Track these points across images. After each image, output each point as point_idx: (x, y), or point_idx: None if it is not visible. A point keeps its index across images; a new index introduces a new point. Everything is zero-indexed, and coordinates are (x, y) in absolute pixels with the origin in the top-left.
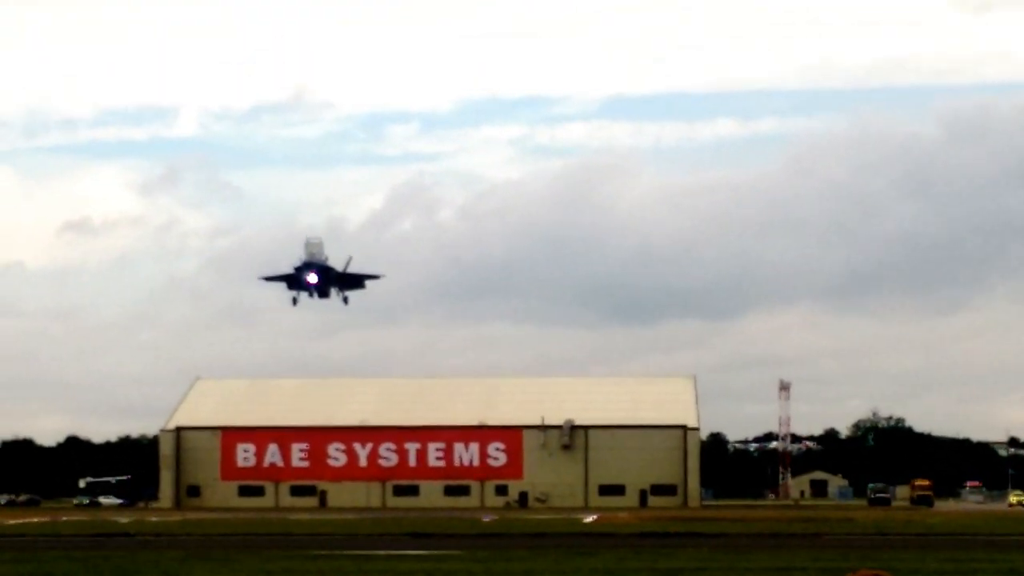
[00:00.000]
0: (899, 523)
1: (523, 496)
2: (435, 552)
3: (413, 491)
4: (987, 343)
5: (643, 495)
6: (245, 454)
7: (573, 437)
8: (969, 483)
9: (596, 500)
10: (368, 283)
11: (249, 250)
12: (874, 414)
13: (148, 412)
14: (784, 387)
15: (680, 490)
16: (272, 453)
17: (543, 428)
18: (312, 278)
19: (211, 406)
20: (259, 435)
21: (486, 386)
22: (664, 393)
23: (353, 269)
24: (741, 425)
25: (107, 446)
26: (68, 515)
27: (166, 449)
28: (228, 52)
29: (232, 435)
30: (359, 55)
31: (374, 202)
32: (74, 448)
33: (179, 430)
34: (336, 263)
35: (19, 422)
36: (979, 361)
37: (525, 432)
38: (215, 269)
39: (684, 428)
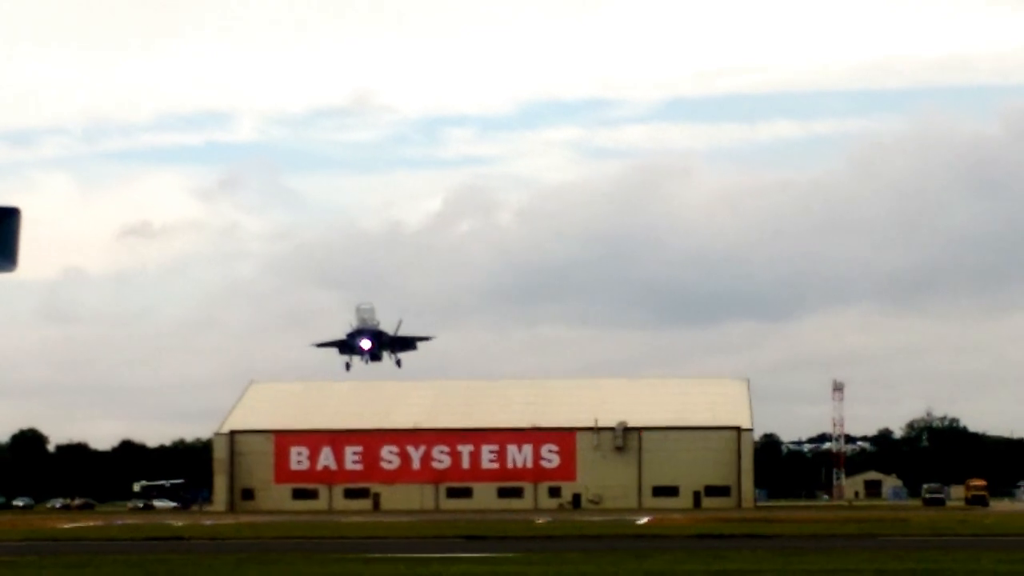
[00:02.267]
0: (954, 523)
1: (576, 498)
2: (489, 555)
3: (466, 493)
4: None
5: (697, 496)
6: (299, 457)
7: (626, 439)
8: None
9: (650, 501)
10: (419, 344)
11: (308, 254)
12: (928, 414)
13: (203, 416)
14: (838, 388)
15: (734, 491)
16: (326, 456)
17: (596, 430)
18: (365, 344)
19: (265, 409)
20: (313, 438)
21: (539, 388)
22: (717, 394)
23: (404, 332)
24: (796, 426)
25: (161, 450)
26: (122, 519)
27: (220, 453)
28: (285, 56)
29: (286, 438)
30: (416, 58)
31: (432, 205)
32: (129, 452)
33: (233, 434)
34: (387, 326)
35: (74, 426)
36: None
37: (578, 434)
38: (274, 273)
39: (738, 429)
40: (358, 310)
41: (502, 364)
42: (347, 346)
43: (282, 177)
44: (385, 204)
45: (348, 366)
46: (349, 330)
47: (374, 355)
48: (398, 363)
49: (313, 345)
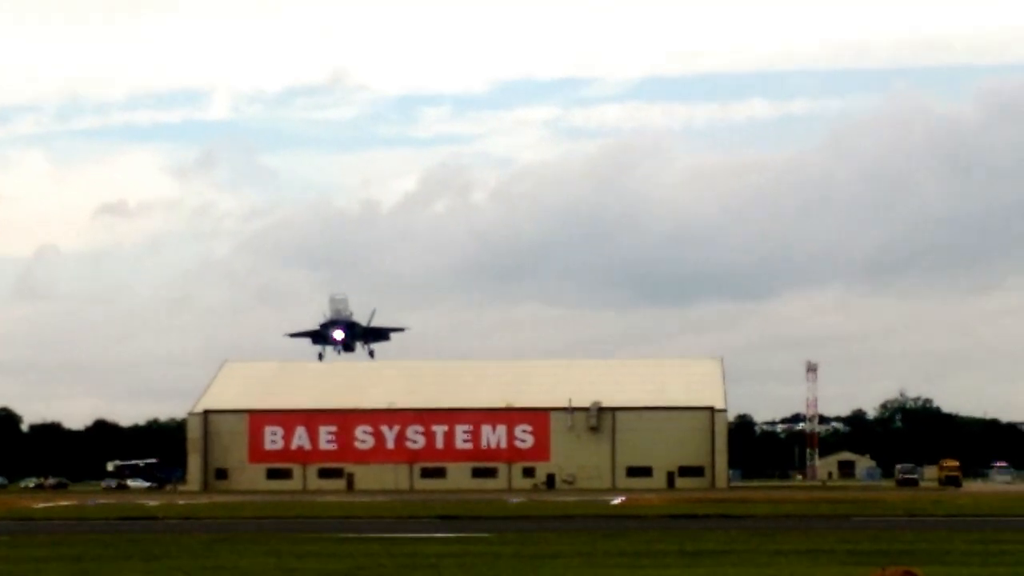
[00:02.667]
0: (927, 504)
1: (550, 478)
2: (463, 535)
3: (440, 473)
4: (1017, 324)
5: (670, 477)
6: (273, 437)
7: (600, 419)
8: (997, 463)
9: (623, 482)
10: (392, 334)
11: (283, 233)
12: (902, 394)
13: (177, 395)
14: (811, 368)
15: (708, 471)
16: (300, 436)
17: (570, 410)
18: (338, 335)
19: (239, 389)
20: (287, 418)
21: (513, 368)
22: (691, 375)
23: (376, 323)
24: (771, 406)
25: (135, 429)
26: (96, 498)
27: (194, 432)
28: (261, 35)
29: (260, 418)
30: (392, 37)
31: (407, 184)
32: (102, 431)
33: (207, 413)
34: (360, 317)
35: (48, 406)
36: (1008, 342)
37: (552, 414)
38: (248, 252)
39: (711, 410)
40: (332, 300)
41: (476, 344)
42: (320, 336)
43: (257, 156)
44: (360, 183)
45: (321, 356)
46: (323, 320)
47: (347, 346)
48: (371, 354)
49: (287, 335)
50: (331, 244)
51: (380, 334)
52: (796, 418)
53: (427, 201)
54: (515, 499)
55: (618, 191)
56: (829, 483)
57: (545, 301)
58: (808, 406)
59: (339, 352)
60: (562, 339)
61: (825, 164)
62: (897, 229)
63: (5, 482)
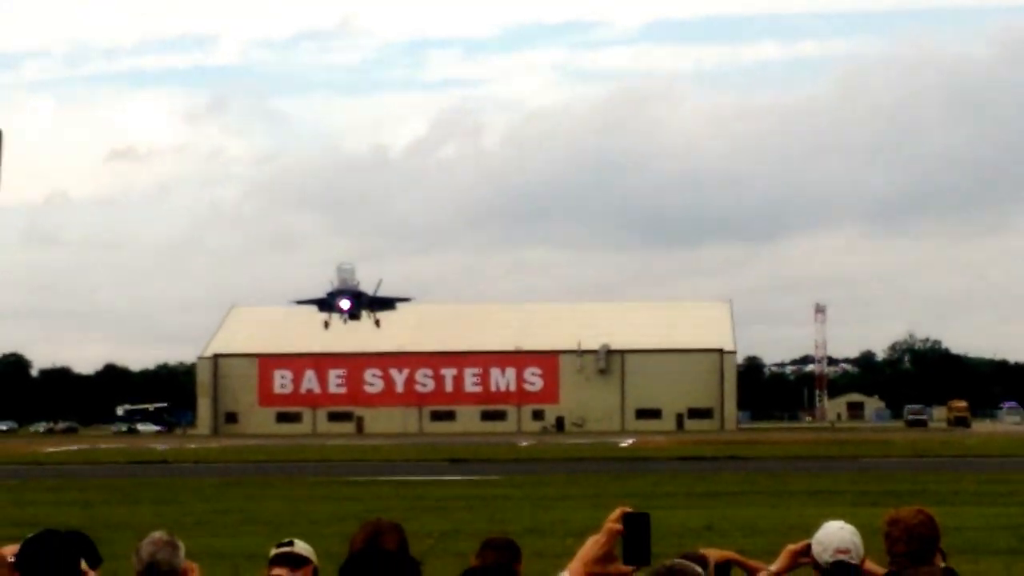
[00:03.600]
0: (936, 445)
1: (560, 420)
2: (473, 477)
3: (450, 416)
4: None
5: (680, 419)
6: (282, 380)
7: (609, 361)
8: (1006, 404)
9: (633, 424)
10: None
11: (293, 177)
12: (910, 336)
13: (187, 340)
14: (820, 310)
15: (716, 413)
16: (309, 379)
17: (579, 353)
18: (344, 304)
19: (248, 333)
20: (296, 361)
21: (522, 311)
22: (700, 317)
23: (383, 293)
24: (780, 348)
25: (145, 373)
26: (106, 442)
27: (203, 376)
28: None
29: (269, 362)
30: None
31: (417, 128)
32: (112, 376)
33: (216, 357)
34: (367, 286)
35: (58, 350)
36: (1017, 282)
37: (561, 357)
38: (258, 196)
39: (720, 352)
40: (339, 269)
41: (486, 288)
42: (327, 304)
43: (266, 101)
44: (369, 127)
45: (327, 324)
46: (330, 289)
47: (353, 314)
48: (377, 323)
49: (293, 302)
50: (340, 189)
51: (386, 303)
52: (805, 360)
53: (436, 145)
54: (524, 442)
55: (627, 134)
56: (838, 425)
57: (554, 244)
58: (817, 348)
59: (344, 321)
60: (571, 282)
61: (835, 106)
62: (907, 171)
63: (15, 426)
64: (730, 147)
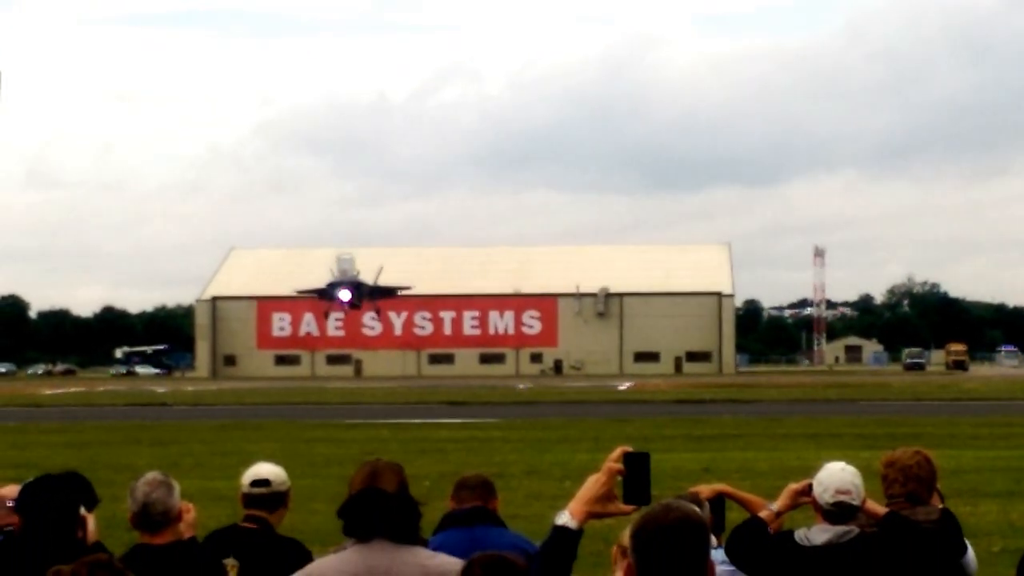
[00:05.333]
0: (934, 388)
1: (558, 364)
2: (471, 420)
3: (448, 359)
4: None
5: (678, 362)
6: (281, 323)
7: (608, 304)
8: (1004, 347)
9: (631, 367)
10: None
11: (292, 120)
12: (909, 279)
13: (185, 282)
14: (819, 253)
15: (715, 357)
16: (308, 322)
17: (578, 296)
18: (344, 295)
19: (247, 276)
20: (295, 304)
21: (521, 254)
22: (699, 260)
23: (383, 281)
24: (779, 292)
25: (143, 316)
26: (105, 385)
27: (202, 319)
28: None
29: (268, 304)
30: None
31: (418, 71)
32: (111, 318)
33: (215, 300)
34: (367, 275)
35: (56, 292)
36: (1016, 227)
37: (560, 300)
38: (258, 139)
39: (719, 295)
40: (338, 260)
41: (486, 230)
42: (327, 295)
43: (267, 42)
44: (371, 70)
45: (327, 314)
46: (330, 280)
47: (353, 304)
48: (377, 312)
49: (295, 292)
50: (341, 131)
51: (386, 292)
52: (803, 303)
53: (436, 88)
54: (523, 385)
55: (628, 77)
56: (836, 368)
57: (555, 187)
58: (815, 291)
59: (345, 311)
60: (571, 225)
61: (836, 49)
62: (907, 115)
63: (14, 369)
64: (731, 90)
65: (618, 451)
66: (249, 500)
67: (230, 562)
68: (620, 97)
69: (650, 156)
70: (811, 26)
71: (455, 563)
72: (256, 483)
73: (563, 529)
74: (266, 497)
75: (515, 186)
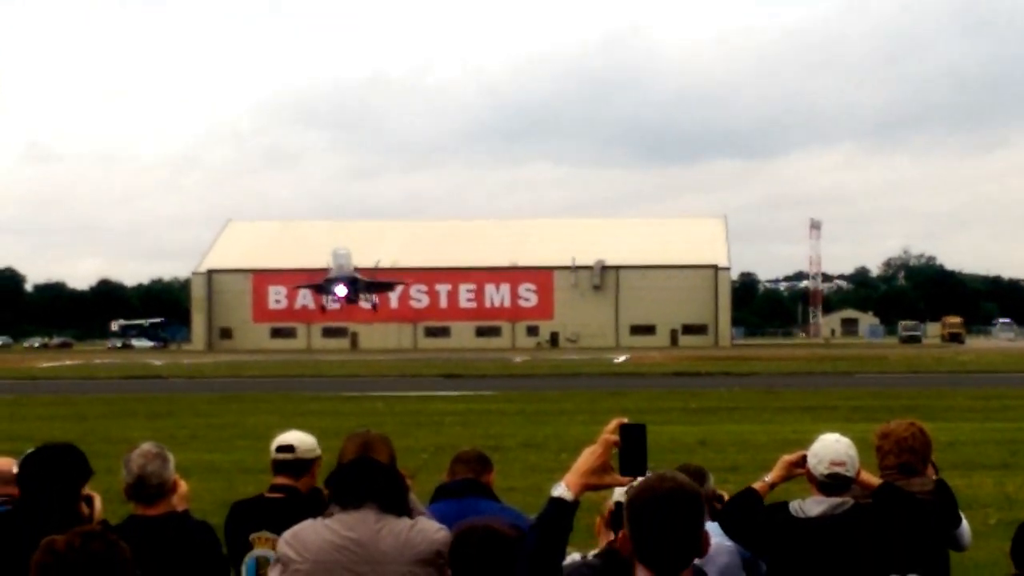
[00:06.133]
0: (930, 361)
1: (554, 336)
2: (467, 393)
3: (444, 332)
4: (1021, 182)
5: (674, 335)
6: (277, 296)
7: (604, 277)
8: (1000, 320)
9: (627, 340)
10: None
11: (290, 94)
12: (905, 252)
13: (181, 255)
14: (815, 226)
15: (711, 329)
16: (304, 295)
17: (574, 269)
18: (340, 291)
19: (243, 248)
20: (291, 277)
21: (517, 227)
22: (695, 233)
23: (379, 276)
24: (775, 265)
25: (139, 289)
26: (101, 358)
27: (198, 292)
28: None
29: (264, 277)
30: None
31: (414, 47)
32: (107, 291)
33: (211, 272)
34: (364, 251)
35: (52, 265)
36: (1011, 199)
37: (556, 272)
38: (256, 113)
39: (715, 268)
40: (335, 255)
41: (483, 204)
42: (324, 289)
43: (265, 18)
44: (367, 45)
45: (324, 308)
46: (328, 275)
47: (350, 299)
48: (374, 307)
49: (294, 287)
50: (338, 105)
51: (381, 286)
52: (799, 276)
53: (433, 63)
54: (519, 358)
55: (625, 51)
56: (832, 341)
57: (552, 161)
58: (811, 264)
59: (340, 307)
60: (568, 199)
61: (833, 22)
62: (903, 88)
63: (10, 341)
64: (729, 63)
65: (614, 423)
66: (275, 466)
67: (263, 535)
68: (617, 71)
69: (647, 130)
70: (809, 1)
71: (436, 529)
72: (281, 448)
73: (559, 501)
74: (291, 463)
75: (512, 160)
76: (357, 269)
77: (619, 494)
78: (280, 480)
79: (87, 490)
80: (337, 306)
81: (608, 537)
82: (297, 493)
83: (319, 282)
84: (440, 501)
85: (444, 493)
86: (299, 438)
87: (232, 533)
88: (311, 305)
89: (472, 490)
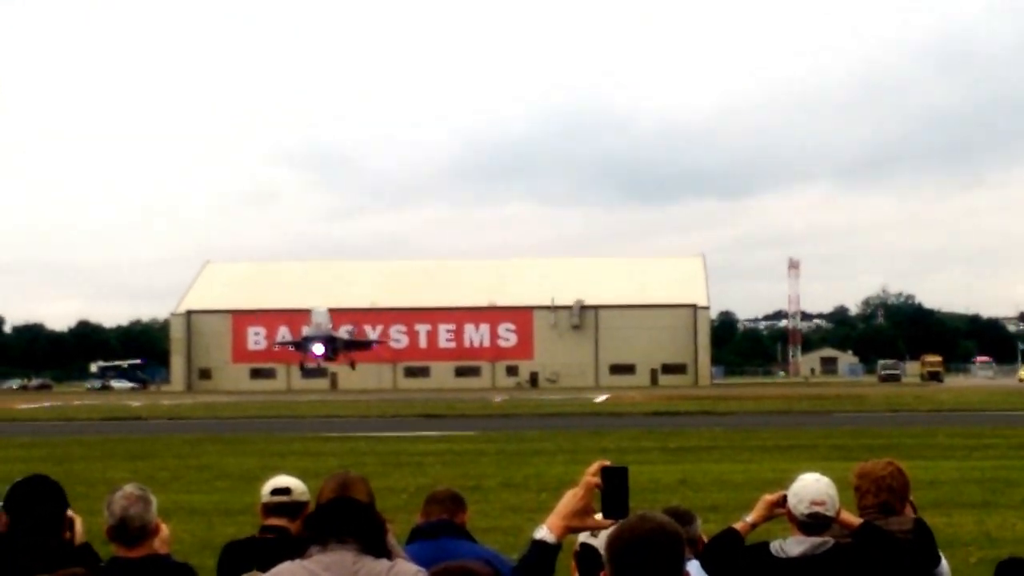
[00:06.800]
0: (910, 399)
1: (534, 376)
2: (448, 433)
3: (424, 372)
4: (998, 221)
5: (653, 374)
6: (256, 337)
7: (583, 317)
8: (979, 358)
9: (607, 379)
10: (370, 338)
11: (268, 132)
12: (883, 291)
13: (159, 296)
14: (793, 265)
15: (690, 369)
16: (283, 335)
17: (553, 308)
18: (318, 349)
19: (221, 289)
20: (270, 317)
21: (496, 267)
22: (674, 272)
23: (356, 336)
24: (755, 304)
25: (118, 330)
26: (80, 399)
27: (177, 333)
28: None
29: (243, 318)
30: None
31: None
32: (86, 332)
33: (189, 313)
34: (341, 330)
35: (31, 306)
36: (989, 238)
37: (535, 312)
38: (233, 152)
39: (694, 307)
40: (313, 314)
41: (461, 243)
42: (302, 348)
43: (246, 52)
44: (346, 83)
45: (303, 366)
46: (306, 334)
47: (328, 357)
48: (352, 365)
49: (277, 344)
50: (317, 144)
51: (361, 344)
52: (778, 315)
53: (413, 101)
54: (499, 397)
55: (604, 90)
56: (811, 379)
57: (530, 200)
58: (790, 303)
59: (318, 365)
60: (547, 237)
61: (811, 60)
62: (881, 127)
63: None
64: (705, 103)
65: (596, 465)
66: (270, 509)
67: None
68: (596, 110)
69: (625, 169)
70: (788, 38)
71: (415, 572)
72: (277, 491)
73: (541, 543)
74: (287, 505)
75: (491, 199)
76: (335, 313)
77: (586, 535)
78: (274, 521)
79: (68, 513)
80: (314, 365)
81: None
82: (289, 535)
83: (297, 339)
84: (415, 542)
85: (419, 534)
86: (293, 481)
87: (224, 574)
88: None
89: (446, 531)
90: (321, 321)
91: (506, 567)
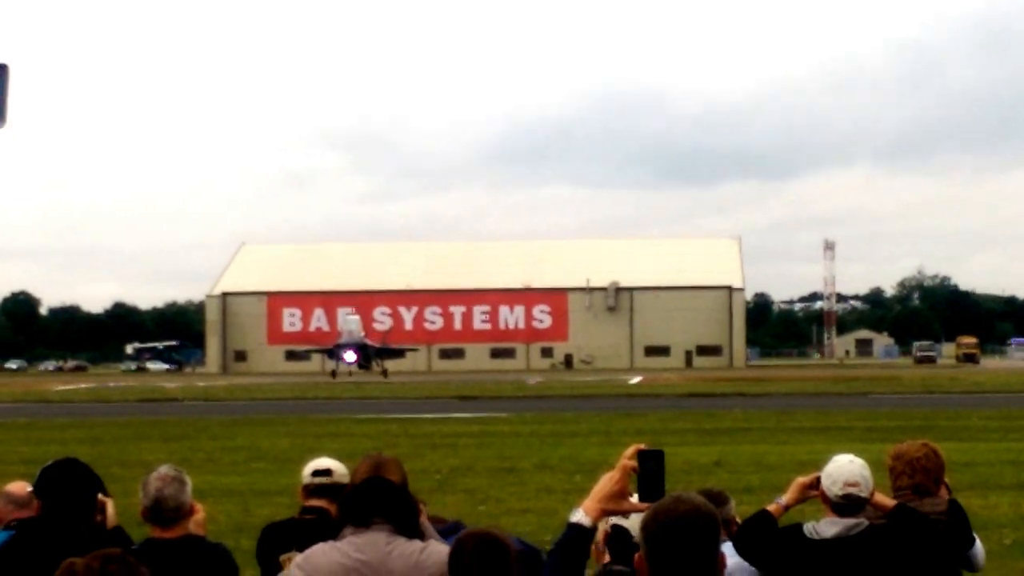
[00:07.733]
0: (945, 381)
1: (568, 358)
2: (482, 415)
3: (459, 354)
4: None
5: (688, 356)
6: (291, 319)
7: (618, 299)
8: (1014, 340)
9: (641, 361)
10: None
11: (305, 115)
12: (919, 272)
13: (196, 278)
14: (829, 247)
15: (725, 350)
16: (318, 317)
17: (588, 290)
18: (350, 357)
19: (257, 271)
20: (305, 299)
21: (532, 249)
22: (709, 254)
23: (389, 342)
24: (790, 286)
25: (154, 312)
26: (116, 381)
27: (212, 315)
28: None
29: (278, 300)
30: None
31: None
32: (121, 314)
33: (225, 295)
34: (373, 336)
35: (67, 289)
36: None
37: (570, 294)
38: (270, 134)
39: (729, 289)
40: (344, 320)
41: (498, 225)
42: (335, 354)
43: (279, 36)
44: (384, 64)
45: (334, 373)
46: (338, 341)
47: (361, 365)
48: (384, 373)
49: (305, 351)
50: (354, 126)
51: (394, 352)
52: (814, 297)
53: (451, 82)
54: (533, 379)
55: (644, 68)
56: (847, 361)
57: (568, 182)
58: (826, 285)
59: (350, 374)
60: (584, 220)
61: (851, 42)
62: (920, 108)
63: (24, 365)
64: (745, 85)
65: (632, 448)
66: (311, 490)
67: (293, 556)
68: (634, 92)
69: (662, 151)
70: (826, 17)
71: (447, 552)
72: (318, 472)
73: (578, 526)
74: (327, 487)
75: (528, 181)
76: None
77: (616, 517)
78: (315, 503)
79: (100, 496)
80: (347, 371)
81: (603, 559)
82: (329, 516)
83: (330, 347)
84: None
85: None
86: (334, 463)
87: (264, 555)
88: (325, 327)
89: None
90: (352, 328)
91: (549, 552)
